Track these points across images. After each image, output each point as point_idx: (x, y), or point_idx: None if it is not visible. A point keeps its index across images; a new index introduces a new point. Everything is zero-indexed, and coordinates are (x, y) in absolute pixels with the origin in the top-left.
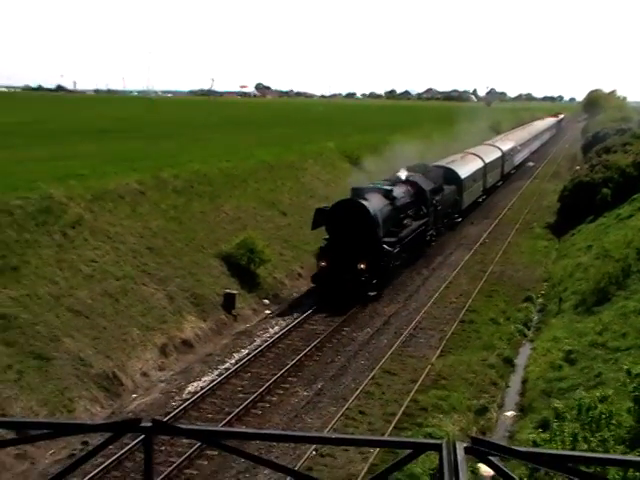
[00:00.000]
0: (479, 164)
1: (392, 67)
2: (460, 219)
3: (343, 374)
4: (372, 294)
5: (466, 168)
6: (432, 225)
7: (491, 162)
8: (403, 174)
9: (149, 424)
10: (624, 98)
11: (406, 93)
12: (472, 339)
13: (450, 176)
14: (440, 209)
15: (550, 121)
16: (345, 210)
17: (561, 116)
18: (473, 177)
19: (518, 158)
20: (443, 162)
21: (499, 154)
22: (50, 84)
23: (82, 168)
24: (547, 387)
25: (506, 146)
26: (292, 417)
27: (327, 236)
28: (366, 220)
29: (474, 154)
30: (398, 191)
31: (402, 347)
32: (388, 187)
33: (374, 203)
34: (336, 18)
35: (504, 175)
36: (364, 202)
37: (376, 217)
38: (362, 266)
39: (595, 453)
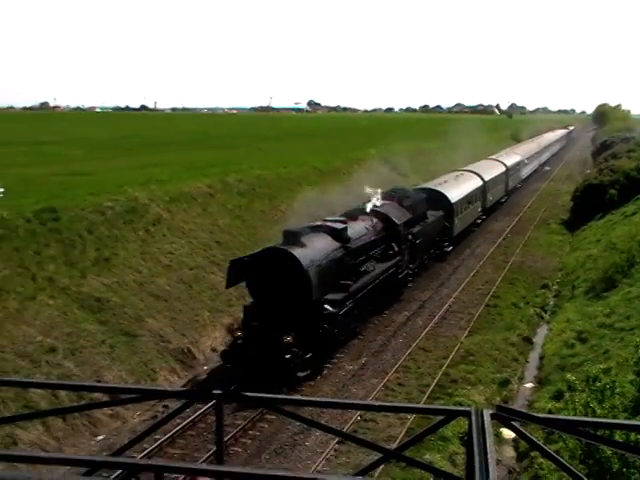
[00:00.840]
0: (476, 183)
1: (426, 84)
2: (451, 248)
3: (384, 351)
4: (303, 374)
5: (458, 190)
6: (407, 263)
7: (493, 179)
8: (368, 204)
9: (219, 392)
10: (628, 111)
11: (438, 107)
12: (496, 321)
13: (437, 200)
14: (420, 242)
15: (560, 133)
16: (269, 263)
17: (571, 127)
18: (468, 199)
19: (525, 172)
20: (431, 183)
21: (502, 169)
22: (135, 104)
23: (161, 174)
24: (561, 362)
25: (511, 160)
26: (340, 387)
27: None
28: (296, 276)
29: (472, 172)
30: (357, 228)
31: (435, 328)
32: (340, 225)
33: (312, 250)
34: (378, 42)
35: (509, 191)
36: (295, 251)
37: (308, 271)
38: (288, 339)
39: (603, 418)
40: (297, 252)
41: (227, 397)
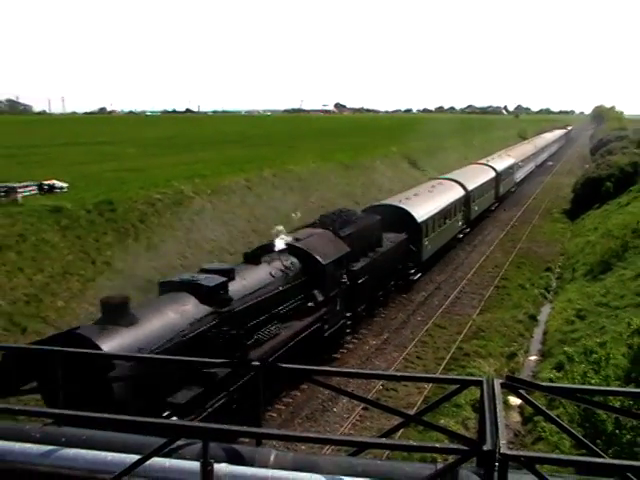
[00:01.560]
0: (456, 194)
1: (441, 87)
2: (419, 275)
3: (404, 327)
4: None
5: (430, 205)
6: (341, 313)
7: (479, 187)
8: (277, 240)
9: (258, 364)
10: (621, 112)
11: (451, 108)
12: (505, 300)
13: (400, 220)
14: (367, 280)
15: (558, 133)
16: (63, 358)
17: (570, 127)
18: (444, 214)
19: (520, 174)
20: (395, 199)
21: (492, 175)
22: (181, 108)
23: (204, 170)
24: (562, 337)
25: (503, 164)
26: (364, 360)
27: None
28: (100, 388)
29: (453, 180)
30: (252, 278)
31: (450, 306)
32: (212, 280)
33: (143, 332)
34: (398, 48)
35: (499, 197)
36: (100, 339)
37: (115, 381)
38: None
39: (599, 386)
40: (103, 341)
41: (265, 367)
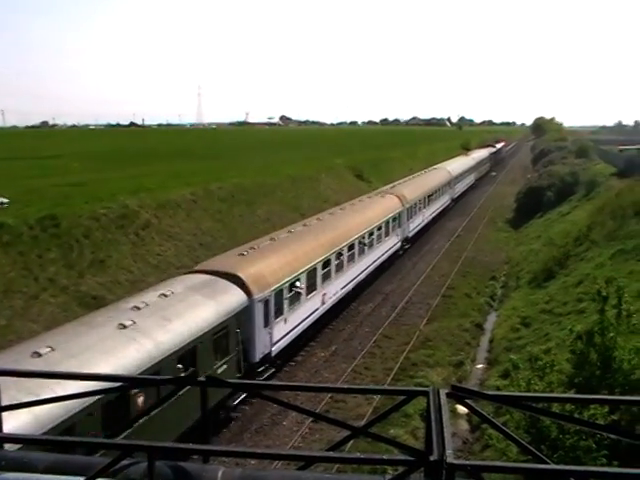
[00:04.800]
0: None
1: (385, 99)
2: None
3: (352, 339)
4: None
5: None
6: None
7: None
8: None
9: (204, 379)
10: (561, 123)
11: (396, 121)
12: (451, 309)
13: None
14: None
15: (478, 156)
16: None
17: (500, 145)
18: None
19: (414, 225)
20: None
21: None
22: (125, 121)
23: (150, 184)
24: (508, 345)
25: (375, 220)
26: (313, 372)
27: None
28: None
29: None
30: None
31: (398, 317)
32: None
33: None
34: (341, 61)
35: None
36: None
37: None
38: None
39: (542, 393)
40: None
41: (210, 383)
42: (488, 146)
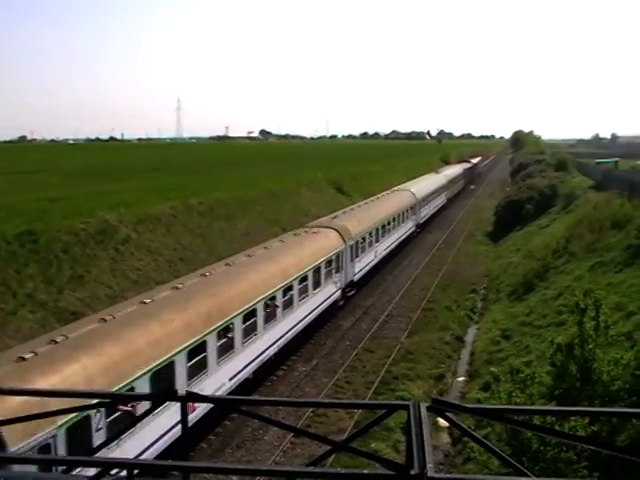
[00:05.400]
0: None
1: (364, 113)
2: None
3: (333, 353)
4: None
5: None
6: None
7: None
8: None
9: (184, 394)
10: (539, 137)
11: (376, 134)
12: (432, 323)
13: None
14: None
15: (451, 173)
16: None
17: (475, 160)
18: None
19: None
20: None
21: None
22: (105, 136)
23: (129, 198)
24: (489, 357)
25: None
26: (294, 386)
27: None
28: None
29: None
30: None
31: (378, 330)
32: None
33: None
34: (320, 75)
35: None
36: None
37: None
38: None
39: (523, 406)
40: None
41: (190, 398)
42: (463, 161)
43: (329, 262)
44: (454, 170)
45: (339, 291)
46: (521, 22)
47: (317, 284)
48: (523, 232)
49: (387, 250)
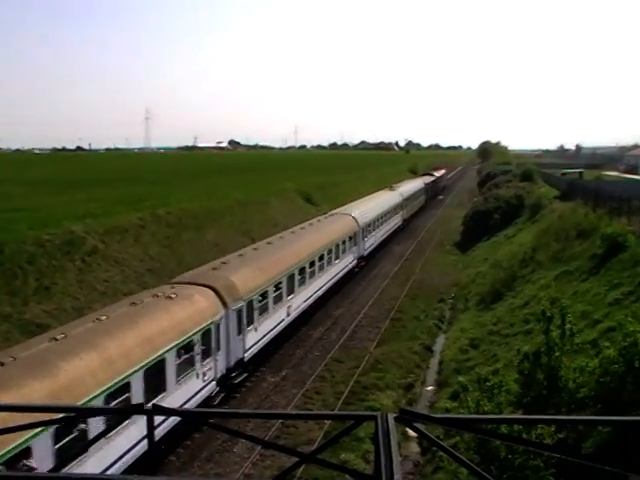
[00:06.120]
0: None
1: (333, 123)
2: None
3: (302, 363)
4: None
5: None
6: None
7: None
8: None
9: (150, 408)
10: (506, 147)
11: (345, 145)
12: (401, 332)
13: None
14: None
15: (409, 189)
16: None
17: (439, 173)
18: None
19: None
20: None
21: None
22: (71, 145)
23: (96, 209)
24: (457, 366)
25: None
26: (263, 398)
27: None
28: None
29: None
30: None
31: (347, 340)
32: None
33: None
34: (289, 85)
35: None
36: None
37: None
38: None
39: (490, 415)
40: None
41: (156, 411)
42: (425, 175)
43: (187, 345)
44: (414, 185)
45: (205, 390)
46: (489, 35)
47: (181, 372)
48: (491, 242)
49: (308, 302)
